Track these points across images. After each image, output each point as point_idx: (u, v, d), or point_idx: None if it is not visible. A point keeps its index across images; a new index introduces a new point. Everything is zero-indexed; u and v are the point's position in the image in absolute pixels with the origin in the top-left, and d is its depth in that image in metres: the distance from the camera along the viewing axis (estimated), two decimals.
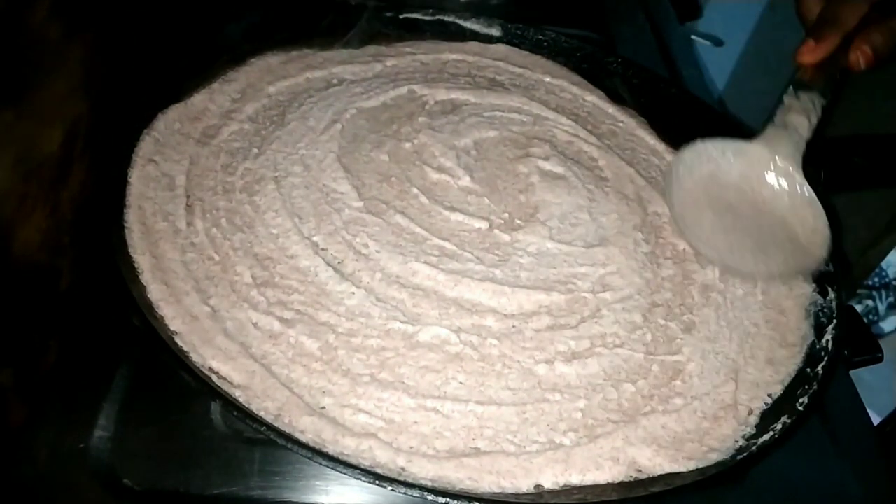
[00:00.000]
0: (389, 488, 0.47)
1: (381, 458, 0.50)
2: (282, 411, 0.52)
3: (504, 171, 0.75)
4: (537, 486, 0.51)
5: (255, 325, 0.57)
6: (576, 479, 0.52)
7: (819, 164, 0.72)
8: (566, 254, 0.67)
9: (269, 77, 0.80)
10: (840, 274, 0.67)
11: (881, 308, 1.58)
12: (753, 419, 0.58)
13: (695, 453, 0.54)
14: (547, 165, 0.76)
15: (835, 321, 0.64)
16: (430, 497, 0.47)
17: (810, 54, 0.65)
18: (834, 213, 0.65)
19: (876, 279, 1.57)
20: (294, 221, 0.65)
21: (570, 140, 0.80)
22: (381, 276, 0.62)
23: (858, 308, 1.53)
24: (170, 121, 0.72)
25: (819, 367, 0.61)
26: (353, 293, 0.60)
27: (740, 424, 0.57)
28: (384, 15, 0.90)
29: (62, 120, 0.61)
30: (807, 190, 0.66)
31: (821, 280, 0.68)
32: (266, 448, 0.55)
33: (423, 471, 0.50)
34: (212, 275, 0.60)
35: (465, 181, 0.73)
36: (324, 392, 0.54)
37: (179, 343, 0.55)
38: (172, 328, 0.55)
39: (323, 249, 0.63)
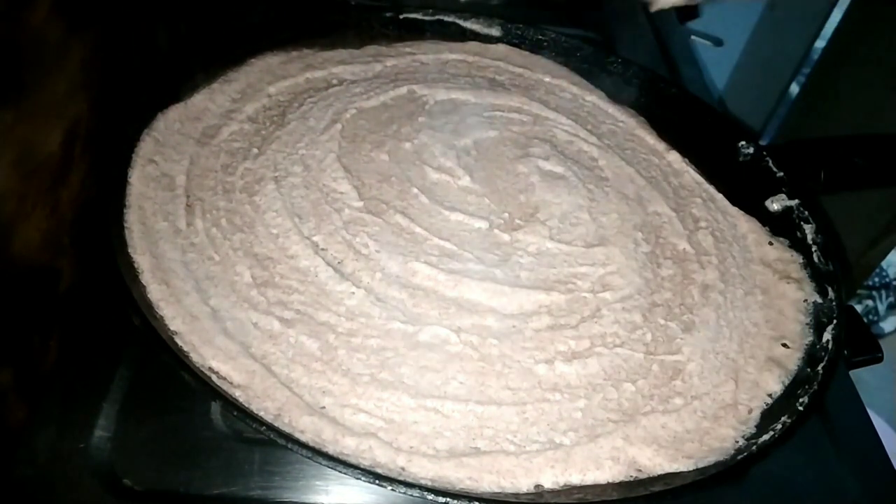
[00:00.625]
0: (389, 488, 0.47)
1: (381, 457, 0.50)
2: (282, 411, 0.52)
3: (504, 171, 0.75)
4: (537, 486, 0.51)
5: (255, 324, 0.57)
6: (576, 479, 0.52)
7: (819, 164, 0.72)
8: (566, 254, 0.67)
9: (269, 77, 0.80)
10: (840, 274, 0.67)
11: (881, 308, 1.58)
12: (753, 419, 0.58)
13: (695, 453, 0.54)
14: (547, 165, 0.76)
15: (835, 321, 0.64)
16: (430, 497, 0.47)
17: None
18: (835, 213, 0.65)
19: (876, 279, 1.57)
20: (294, 221, 0.65)
21: (570, 140, 0.80)
22: (381, 276, 0.62)
23: (858, 308, 1.53)
24: (170, 121, 0.72)
25: (819, 367, 0.61)
26: (353, 293, 0.60)
27: (740, 424, 0.57)
28: (384, 15, 0.90)
29: (62, 120, 0.61)
30: None
31: (821, 280, 0.68)
32: (266, 448, 0.55)
33: (423, 470, 0.50)
34: (212, 275, 0.60)
35: (465, 181, 0.73)
36: (324, 392, 0.54)
37: (179, 343, 0.55)
38: (172, 328, 0.55)
39: (323, 249, 0.63)
